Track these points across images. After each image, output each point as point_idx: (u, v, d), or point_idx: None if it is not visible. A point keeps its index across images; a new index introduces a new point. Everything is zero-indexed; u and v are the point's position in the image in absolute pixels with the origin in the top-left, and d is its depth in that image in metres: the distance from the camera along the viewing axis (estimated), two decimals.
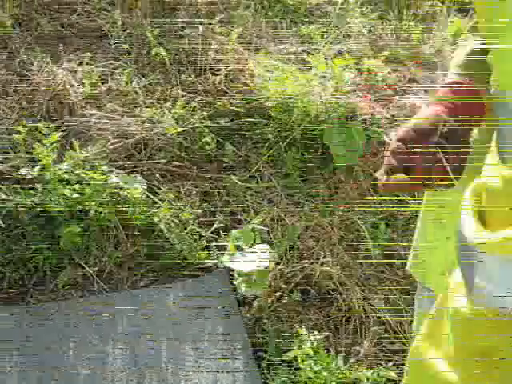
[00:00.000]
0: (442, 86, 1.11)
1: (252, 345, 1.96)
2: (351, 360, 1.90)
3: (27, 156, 2.26)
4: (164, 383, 1.85)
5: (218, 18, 2.95)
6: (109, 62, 2.77)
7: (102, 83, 2.68)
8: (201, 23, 2.91)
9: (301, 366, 1.82)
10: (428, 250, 1.41)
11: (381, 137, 2.49)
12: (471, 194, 0.94)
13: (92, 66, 2.71)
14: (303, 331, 1.89)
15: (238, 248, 1.97)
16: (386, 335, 2.00)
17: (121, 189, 2.19)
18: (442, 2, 3.35)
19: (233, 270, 2.08)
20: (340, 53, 2.92)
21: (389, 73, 2.86)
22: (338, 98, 2.52)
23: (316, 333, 1.91)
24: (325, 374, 1.78)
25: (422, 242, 1.43)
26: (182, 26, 2.95)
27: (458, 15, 3.28)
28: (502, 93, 0.84)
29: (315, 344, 1.86)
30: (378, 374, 1.83)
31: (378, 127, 2.53)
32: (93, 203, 2.13)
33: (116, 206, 2.18)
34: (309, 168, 2.47)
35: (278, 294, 2.04)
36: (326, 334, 1.94)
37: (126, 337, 1.96)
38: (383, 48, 3.05)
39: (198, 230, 2.22)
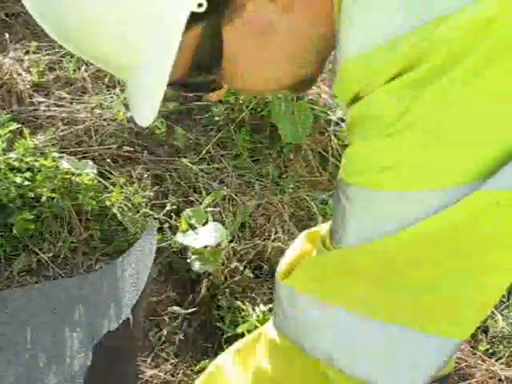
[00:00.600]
0: None
1: (209, 321, 2.00)
2: None
3: None
4: None
5: None
6: (55, 50, 2.76)
7: (50, 71, 2.67)
8: None
9: None
10: None
11: (328, 115, 2.55)
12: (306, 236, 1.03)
13: (39, 55, 2.70)
14: (246, 306, 1.94)
15: (191, 226, 2.01)
16: None
17: (72, 174, 2.19)
18: None
19: (186, 250, 2.11)
20: None
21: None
22: None
23: (261, 306, 1.96)
24: None
25: None
26: None
27: None
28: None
29: (261, 316, 1.91)
30: None
31: (324, 106, 2.58)
32: (44, 190, 2.14)
33: (68, 192, 2.19)
34: (258, 148, 2.52)
35: (231, 270, 2.09)
36: (271, 305, 1.99)
37: (83, 320, 1.98)
38: None
39: (151, 212, 2.24)
